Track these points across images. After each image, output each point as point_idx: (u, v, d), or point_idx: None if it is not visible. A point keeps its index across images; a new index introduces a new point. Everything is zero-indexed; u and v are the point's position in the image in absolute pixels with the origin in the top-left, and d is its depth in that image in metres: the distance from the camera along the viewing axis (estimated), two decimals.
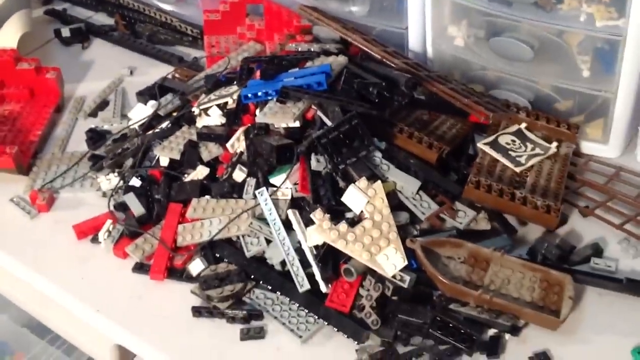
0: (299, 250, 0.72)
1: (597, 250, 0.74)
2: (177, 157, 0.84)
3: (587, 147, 0.87)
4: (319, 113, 0.79)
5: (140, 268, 0.77)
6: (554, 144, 0.82)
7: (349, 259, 0.69)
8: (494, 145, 0.81)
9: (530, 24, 0.82)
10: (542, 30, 0.82)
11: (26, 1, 1.15)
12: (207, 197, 0.79)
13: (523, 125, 0.84)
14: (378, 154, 0.78)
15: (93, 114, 1.01)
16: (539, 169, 0.79)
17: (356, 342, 0.67)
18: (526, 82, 0.87)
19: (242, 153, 0.81)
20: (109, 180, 0.86)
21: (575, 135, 0.84)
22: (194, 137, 0.85)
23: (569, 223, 0.78)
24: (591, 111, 0.85)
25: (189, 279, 0.75)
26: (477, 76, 0.92)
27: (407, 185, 0.76)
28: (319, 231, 0.69)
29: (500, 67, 0.88)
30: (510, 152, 0.81)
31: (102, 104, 1.02)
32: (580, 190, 0.81)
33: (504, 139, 0.82)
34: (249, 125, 0.81)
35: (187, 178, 0.82)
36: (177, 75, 1.03)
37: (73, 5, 1.26)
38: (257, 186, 0.77)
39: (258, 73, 0.86)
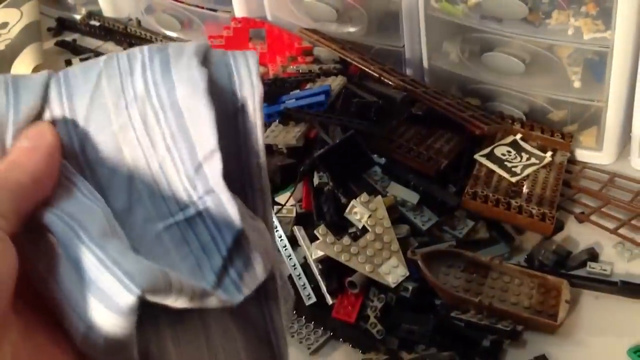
0: (305, 265, 0.75)
1: (592, 255, 0.76)
2: None
3: (581, 154, 0.89)
4: (321, 132, 0.83)
5: None
6: (549, 153, 0.85)
7: (353, 271, 0.72)
8: (490, 156, 0.84)
9: (521, 39, 0.85)
10: (532, 44, 0.85)
11: (38, 34, 1.20)
12: None
13: (518, 136, 0.87)
14: (378, 170, 0.81)
15: None
16: (535, 178, 0.82)
17: (361, 352, 0.70)
18: (520, 94, 0.90)
19: None
20: None
21: (570, 144, 0.87)
22: None
23: (566, 229, 0.80)
24: (584, 120, 0.88)
25: None
26: (473, 90, 0.95)
27: (407, 198, 0.79)
28: (323, 246, 0.72)
29: (494, 81, 0.91)
30: (506, 163, 0.83)
31: None
32: (576, 197, 0.84)
33: (499, 150, 0.85)
34: None
35: None
36: None
37: (83, 35, 1.30)
38: None
39: None
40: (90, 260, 0.29)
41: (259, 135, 0.36)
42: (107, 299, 0.29)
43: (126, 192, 0.34)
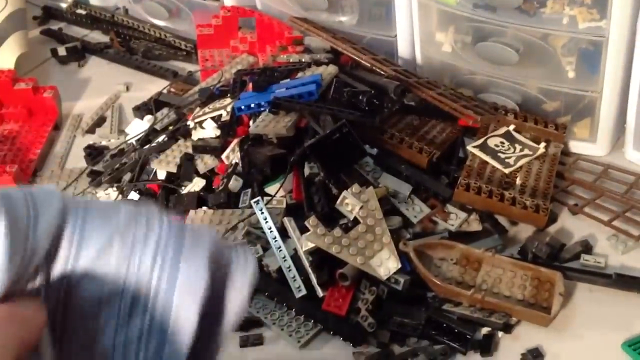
0: (295, 257, 0.73)
1: (586, 247, 0.75)
2: (174, 170, 0.86)
3: (575, 146, 0.88)
4: (312, 122, 0.81)
5: None
6: (542, 144, 0.84)
7: (344, 263, 0.71)
8: (483, 147, 0.83)
9: (515, 28, 0.83)
10: (527, 34, 0.84)
11: (23, 22, 1.17)
12: (204, 208, 0.81)
13: (511, 127, 0.86)
14: (370, 160, 0.79)
15: (91, 130, 1.03)
16: (528, 170, 0.81)
17: (352, 345, 0.69)
18: (513, 85, 0.89)
19: (237, 164, 0.82)
20: (108, 195, 0.88)
21: (563, 135, 0.86)
22: (190, 150, 0.87)
23: (559, 221, 0.79)
24: (578, 111, 0.87)
25: None
26: (466, 80, 0.93)
27: (399, 189, 0.78)
28: (313, 237, 0.71)
29: (487, 71, 0.89)
30: (499, 154, 0.82)
31: (100, 121, 1.04)
32: (570, 188, 0.83)
33: (493, 141, 0.84)
34: (243, 136, 0.83)
35: (185, 190, 0.84)
36: (172, 89, 1.05)
37: (69, 24, 1.28)
38: (253, 196, 0.79)
39: (250, 85, 0.88)
40: None
41: (221, 342, 0.39)
42: None
43: (87, 355, 0.37)
